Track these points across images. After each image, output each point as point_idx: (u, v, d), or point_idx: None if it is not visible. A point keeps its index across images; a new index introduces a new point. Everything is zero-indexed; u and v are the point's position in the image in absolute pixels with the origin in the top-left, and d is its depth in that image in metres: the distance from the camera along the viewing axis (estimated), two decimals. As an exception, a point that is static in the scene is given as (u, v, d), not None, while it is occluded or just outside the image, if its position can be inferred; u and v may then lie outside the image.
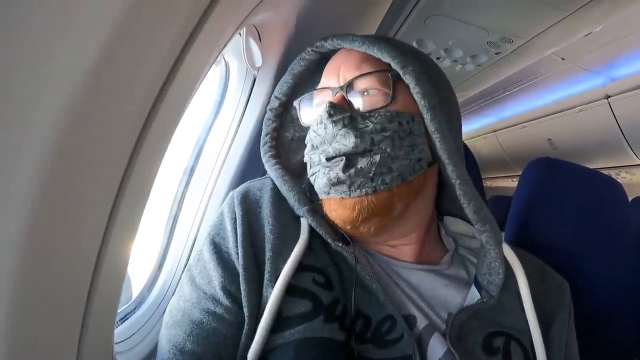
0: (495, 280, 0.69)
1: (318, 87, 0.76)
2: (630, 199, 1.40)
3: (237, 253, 0.65)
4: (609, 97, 2.40)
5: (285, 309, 0.60)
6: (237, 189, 0.75)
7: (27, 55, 0.33)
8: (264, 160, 0.79)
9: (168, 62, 0.45)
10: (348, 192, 0.65)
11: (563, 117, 2.72)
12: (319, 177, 0.67)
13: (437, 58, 1.67)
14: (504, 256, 0.71)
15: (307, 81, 0.85)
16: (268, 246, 0.66)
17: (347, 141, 0.65)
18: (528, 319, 0.70)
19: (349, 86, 0.70)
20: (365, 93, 0.70)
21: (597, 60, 2.19)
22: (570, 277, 0.98)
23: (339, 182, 0.64)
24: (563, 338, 0.74)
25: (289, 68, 0.83)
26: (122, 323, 0.76)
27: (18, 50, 0.32)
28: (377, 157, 0.65)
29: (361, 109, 0.69)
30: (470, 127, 3.90)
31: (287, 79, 0.82)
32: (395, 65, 0.68)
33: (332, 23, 1.03)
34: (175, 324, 0.63)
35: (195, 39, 0.47)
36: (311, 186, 0.74)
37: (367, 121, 0.66)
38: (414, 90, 0.68)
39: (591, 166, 3.02)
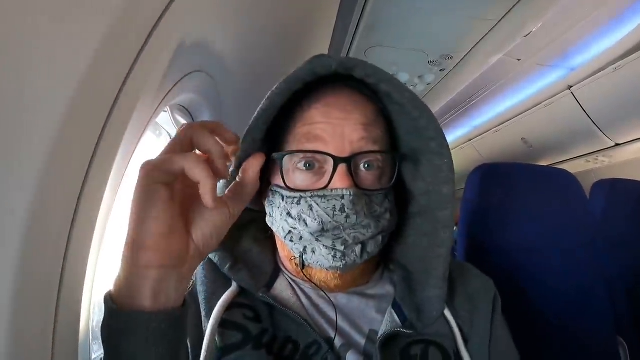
0: (425, 321, 0.72)
1: (310, 144, 0.67)
2: (593, 183, 1.43)
3: None
4: (571, 87, 2.45)
5: (220, 340, 0.66)
6: None
7: None
8: None
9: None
10: (347, 270, 0.67)
11: (532, 114, 2.77)
12: (320, 255, 0.66)
13: (388, 84, 1.73)
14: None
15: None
16: (202, 288, 0.72)
17: (365, 231, 0.66)
18: (452, 330, 0.73)
19: (353, 157, 0.66)
20: (367, 166, 0.68)
21: (553, 54, 2.24)
22: (531, 273, 1.01)
23: (352, 264, 0.66)
24: (487, 335, 0.75)
25: (270, 94, 0.67)
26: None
27: None
28: (380, 238, 0.69)
29: (358, 182, 0.66)
30: (445, 141, 3.91)
31: (266, 107, 0.67)
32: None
33: (272, 72, 1.09)
34: None
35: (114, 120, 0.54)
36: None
37: (374, 204, 0.68)
38: (449, 176, 0.71)
39: (568, 156, 3.08)
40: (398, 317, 0.72)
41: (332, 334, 0.70)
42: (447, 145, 0.71)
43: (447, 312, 0.74)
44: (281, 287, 0.75)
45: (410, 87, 1.78)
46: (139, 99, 0.59)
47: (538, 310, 1.09)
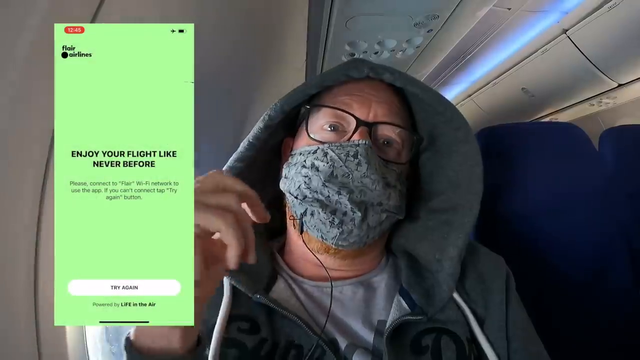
0: (436, 304, 0.70)
1: (340, 106, 0.74)
2: (603, 130, 1.36)
3: None
4: (566, 30, 2.36)
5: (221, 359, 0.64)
6: None
7: None
8: None
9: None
10: (346, 245, 0.69)
11: (530, 63, 2.67)
12: (319, 219, 0.68)
13: (375, 53, 1.67)
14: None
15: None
16: None
17: (373, 187, 0.67)
18: (465, 314, 0.71)
19: (375, 124, 0.73)
20: (386, 142, 0.75)
21: (543, -2, 2.15)
22: (545, 236, 0.97)
23: (348, 235, 0.68)
24: (502, 315, 0.72)
25: (324, 73, 0.77)
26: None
27: None
28: (384, 216, 0.70)
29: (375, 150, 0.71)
30: (444, 100, 3.86)
31: (316, 82, 0.76)
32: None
33: (247, 59, 1.04)
34: None
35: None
36: None
37: (386, 171, 0.71)
38: (476, 158, 0.75)
39: (571, 102, 3.00)
40: (406, 303, 0.70)
41: (336, 334, 0.67)
42: (472, 132, 0.76)
43: (457, 297, 0.72)
44: (280, 289, 0.73)
45: (400, 52, 1.73)
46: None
47: (556, 271, 1.04)
